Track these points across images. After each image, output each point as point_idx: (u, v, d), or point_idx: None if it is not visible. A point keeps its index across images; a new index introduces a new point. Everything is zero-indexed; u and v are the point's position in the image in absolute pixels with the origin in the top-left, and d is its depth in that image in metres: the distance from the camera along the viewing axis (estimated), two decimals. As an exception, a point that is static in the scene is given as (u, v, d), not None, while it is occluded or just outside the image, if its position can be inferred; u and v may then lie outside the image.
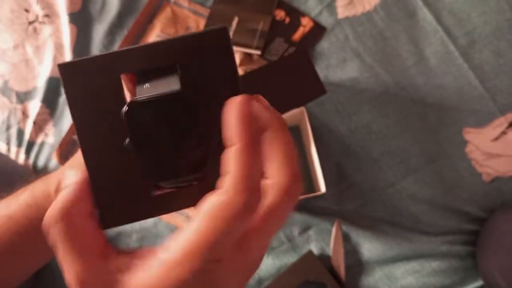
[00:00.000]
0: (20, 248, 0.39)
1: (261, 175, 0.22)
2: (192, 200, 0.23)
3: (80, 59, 0.23)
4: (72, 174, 0.24)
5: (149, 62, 0.23)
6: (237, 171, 0.21)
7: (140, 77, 0.24)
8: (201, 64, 0.23)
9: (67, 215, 0.22)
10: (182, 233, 0.21)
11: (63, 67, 0.23)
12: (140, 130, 0.22)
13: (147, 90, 0.23)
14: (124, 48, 0.23)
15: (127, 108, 0.22)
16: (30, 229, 0.38)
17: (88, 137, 0.24)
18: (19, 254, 0.40)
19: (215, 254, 0.21)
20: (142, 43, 0.24)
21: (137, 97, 0.22)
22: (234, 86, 0.24)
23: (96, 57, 0.23)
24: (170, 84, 0.23)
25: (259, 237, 0.22)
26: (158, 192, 0.24)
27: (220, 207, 0.20)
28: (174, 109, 0.22)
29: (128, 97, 0.24)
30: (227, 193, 0.20)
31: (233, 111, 0.22)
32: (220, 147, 0.22)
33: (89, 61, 0.23)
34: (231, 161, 0.21)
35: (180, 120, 0.22)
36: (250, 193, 0.21)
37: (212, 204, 0.21)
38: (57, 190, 0.24)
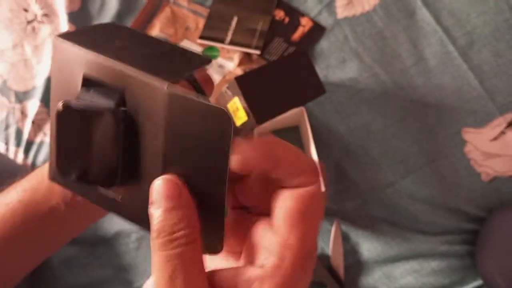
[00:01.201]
0: (18, 238, 0.38)
1: None
2: (129, 213, 0.24)
3: (73, 43, 0.24)
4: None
5: (107, 77, 0.23)
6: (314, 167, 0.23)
7: (88, 80, 0.24)
8: (142, 108, 0.23)
9: (196, 238, 0.21)
10: (275, 244, 0.22)
11: (57, 39, 0.25)
12: (64, 130, 0.24)
13: (88, 96, 0.23)
14: (102, 55, 0.23)
15: (60, 107, 0.23)
16: (27, 216, 0.37)
17: (56, 100, 0.25)
18: (17, 245, 0.38)
19: (314, 247, 0.23)
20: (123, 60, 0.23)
21: (76, 99, 0.23)
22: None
23: (82, 46, 0.24)
24: (108, 100, 0.23)
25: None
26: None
27: (311, 202, 0.23)
28: (101, 124, 0.23)
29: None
30: (316, 188, 0.23)
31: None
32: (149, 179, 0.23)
33: (76, 48, 0.24)
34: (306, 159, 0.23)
35: (104, 135, 0.23)
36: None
37: (304, 203, 0.23)
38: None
